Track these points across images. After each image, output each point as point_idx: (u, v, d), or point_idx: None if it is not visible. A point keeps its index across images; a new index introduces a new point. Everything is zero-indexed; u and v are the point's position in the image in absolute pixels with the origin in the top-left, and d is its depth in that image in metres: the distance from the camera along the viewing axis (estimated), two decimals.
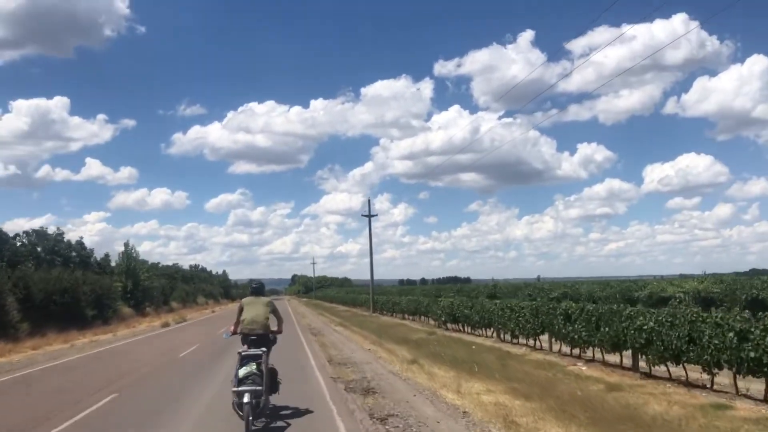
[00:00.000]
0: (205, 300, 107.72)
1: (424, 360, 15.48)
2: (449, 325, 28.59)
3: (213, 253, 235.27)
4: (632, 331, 12.80)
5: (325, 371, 14.20)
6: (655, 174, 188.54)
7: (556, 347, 17.71)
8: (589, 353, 15.86)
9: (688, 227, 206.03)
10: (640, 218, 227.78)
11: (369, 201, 50.86)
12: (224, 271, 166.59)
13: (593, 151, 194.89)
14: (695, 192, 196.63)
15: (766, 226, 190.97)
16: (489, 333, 23.61)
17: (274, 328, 9.74)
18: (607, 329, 13.98)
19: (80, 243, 57.94)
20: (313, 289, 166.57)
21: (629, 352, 13.78)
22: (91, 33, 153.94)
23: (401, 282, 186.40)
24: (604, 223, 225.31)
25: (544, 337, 18.54)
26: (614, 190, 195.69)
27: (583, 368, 14.53)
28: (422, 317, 35.60)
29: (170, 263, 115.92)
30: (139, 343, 25.09)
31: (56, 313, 32.77)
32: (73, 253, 56.54)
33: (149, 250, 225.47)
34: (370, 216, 50.90)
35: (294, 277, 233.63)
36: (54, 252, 50.83)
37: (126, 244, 56.93)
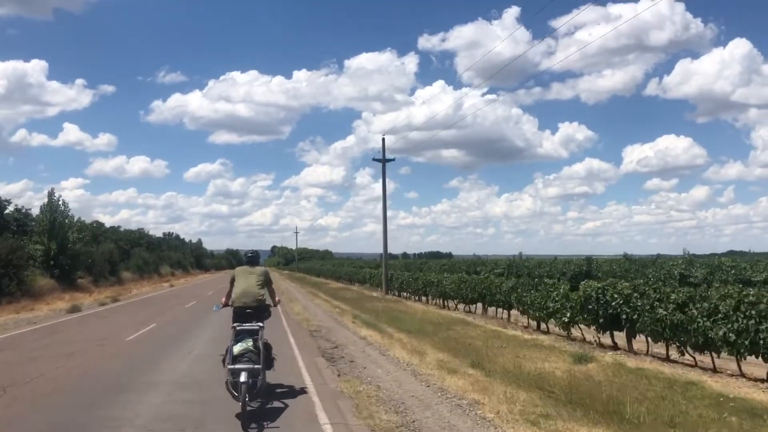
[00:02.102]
0: (170, 270, 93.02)
1: None
2: (587, 334, 14.98)
3: (192, 223, 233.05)
4: None
5: None
6: (635, 155, 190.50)
7: None
8: None
9: (664, 208, 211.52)
10: (618, 198, 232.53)
11: (383, 140, 36.84)
12: (199, 240, 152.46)
13: (574, 131, 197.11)
14: (673, 174, 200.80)
15: (741, 209, 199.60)
16: (745, 366, 9.92)
17: (268, 301, 8.69)
18: None
19: None
20: (295, 260, 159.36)
21: None
22: None
23: (381, 256, 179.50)
24: (582, 202, 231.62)
25: None
26: (593, 169, 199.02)
27: None
28: (487, 309, 21.92)
29: (146, 231, 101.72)
30: None
31: None
32: None
33: (127, 218, 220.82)
34: (384, 161, 36.81)
35: (273, 248, 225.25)
36: None
37: (50, 193, 42.15)
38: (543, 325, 17.35)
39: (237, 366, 7.41)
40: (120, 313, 22.90)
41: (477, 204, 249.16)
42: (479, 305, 23.11)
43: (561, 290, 15.53)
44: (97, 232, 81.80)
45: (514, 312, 19.92)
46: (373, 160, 36.86)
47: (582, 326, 15.08)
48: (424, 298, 30.03)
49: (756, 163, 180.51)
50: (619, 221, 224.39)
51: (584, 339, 14.95)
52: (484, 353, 12.65)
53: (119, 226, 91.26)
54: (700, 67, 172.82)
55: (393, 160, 37.30)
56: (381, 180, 36.63)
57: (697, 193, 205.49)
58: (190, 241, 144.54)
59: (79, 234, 41.51)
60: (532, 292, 17.40)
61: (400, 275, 34.02)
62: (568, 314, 14.90)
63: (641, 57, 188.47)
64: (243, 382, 7.16)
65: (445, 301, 26.44)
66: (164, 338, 14.72)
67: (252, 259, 9.18)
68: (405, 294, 33.73)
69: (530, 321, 18.19)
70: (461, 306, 24.73)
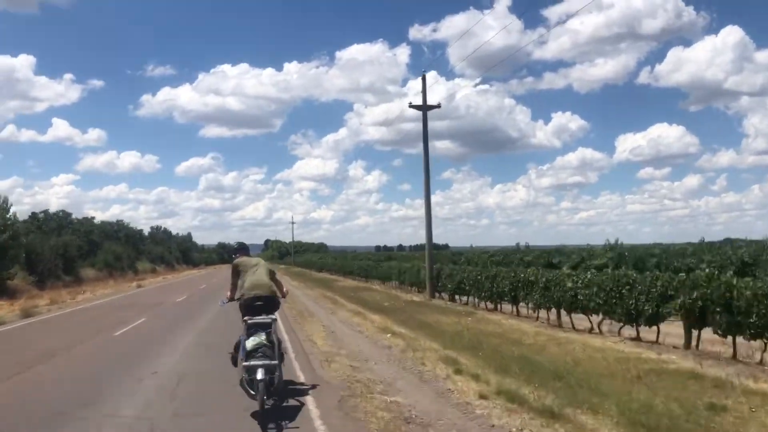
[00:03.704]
0: (151, 266, 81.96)
1: None
2: None
3: (184, 218, 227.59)
4: None
5: None
6: (627, 144, 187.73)
7: None
8: None
9: (657, 197, 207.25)
10: (611, 188, 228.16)
11: (423, 79, 25.93)
12: (188, 233, 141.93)
13: (567, 120, 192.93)
14: (666, 162, 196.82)
15: (734, 197, 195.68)
16: None
17: (277, 293, 8.12)
18: None
19: None
20: (289, 253, 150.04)
21: None
22: None
23: (377, 248, 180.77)
24: (576, 192, 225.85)
25: None
26: (586, 159, 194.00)
27: None
28: (698, 336, 11.18)
29: (125, 223, 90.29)
30: None
31: None
32: None
33: (118, 214, 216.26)
34: (425, 107, 25.93)
35: (267, 241, 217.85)
36: None
37: None
38: None
39: (253, 362, 6.87)
40: None
41: (470, 195, 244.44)
42: (650, 327, 12.41)
43: None
44: (63, 222, 71.01)
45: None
46: (410, 106, 25.98)
47: None
48: (508, 308, 19.35)
49: (748, 150, 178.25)
50: (613, 210, 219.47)
51: None
52: None
53: (92, 217, 79.82)
54: (692, 55, 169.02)
55: (438, 106, 26.39)
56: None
57: (689, 181, 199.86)
58: (177, 234, 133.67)
59: (4, 220, 30.45)
60: None
61: (457, 271, 23.17)
62: None
63: (633, 45, 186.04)
64: (261, 380, 6.70)
65: (564, 315, 15.72)
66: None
67: (245, 249, 8.78)
68: (463, 298, 23.04)
69: None
70: (595, 323, 14.05)
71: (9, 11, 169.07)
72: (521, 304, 18.26)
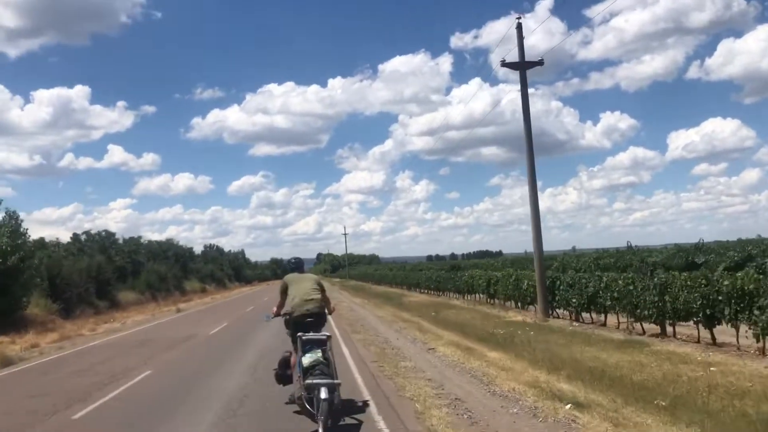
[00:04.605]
0: (200, 286, 77.55)
1: None
2: None
3: (237, 235, 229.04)
4: None
5: None
6: (680, 140, 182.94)
7: None
8: None
9: (714, 194, 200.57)
10: (665, 186, 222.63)
11: (519, 28, 19.62)
12: (241, 250, 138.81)
13: (616, 120, 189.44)
14: (722, 157, 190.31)
15: None
16: None
17: (326, 309, 7.97)
18: None
19: None
20: (341, 266, 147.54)
21: None
22: (106, 19, 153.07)
23: (429, 258, 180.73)
24: (629, 193, 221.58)
25: None
26: (638, 158, 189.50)
27: None
28: None
29: (174, 242, 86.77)
30: None
31: None
32: None
33: (175, 235, 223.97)
34: (523, 65, 19.61)
35: (319, 255, 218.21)
36: None
37: None
38: None
39: (315, 381, 6.51)
40: None
41: (520, 200, 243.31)
42: None
43: None
44: (107, 243, 67.13)
45: None
46: (503, 64, 19.70)
47: None
48: (685, 331, 12.85)
49: None
50: (668, 210, 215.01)
51: None
52: None
53: (139, 237, 75.73)
54: (744, 46, 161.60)
55: (540, 63, 19.99)
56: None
57: (748, 176, 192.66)
58: (230, 251, 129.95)
59: (13, 240, 25.41)
60: None
61: (587, 279, 16.63)
62: None
63: (681, 40, 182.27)
64: (324, 399, 6.32)
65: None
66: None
67: (298, 266, 8.40)
68: (597, 318, 16.57)
69: None
70: None
71: (63, 44, 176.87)
72: (717, 326, 11.78)
